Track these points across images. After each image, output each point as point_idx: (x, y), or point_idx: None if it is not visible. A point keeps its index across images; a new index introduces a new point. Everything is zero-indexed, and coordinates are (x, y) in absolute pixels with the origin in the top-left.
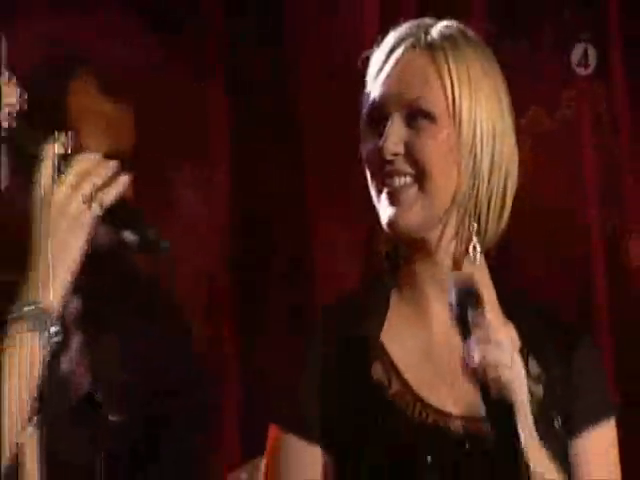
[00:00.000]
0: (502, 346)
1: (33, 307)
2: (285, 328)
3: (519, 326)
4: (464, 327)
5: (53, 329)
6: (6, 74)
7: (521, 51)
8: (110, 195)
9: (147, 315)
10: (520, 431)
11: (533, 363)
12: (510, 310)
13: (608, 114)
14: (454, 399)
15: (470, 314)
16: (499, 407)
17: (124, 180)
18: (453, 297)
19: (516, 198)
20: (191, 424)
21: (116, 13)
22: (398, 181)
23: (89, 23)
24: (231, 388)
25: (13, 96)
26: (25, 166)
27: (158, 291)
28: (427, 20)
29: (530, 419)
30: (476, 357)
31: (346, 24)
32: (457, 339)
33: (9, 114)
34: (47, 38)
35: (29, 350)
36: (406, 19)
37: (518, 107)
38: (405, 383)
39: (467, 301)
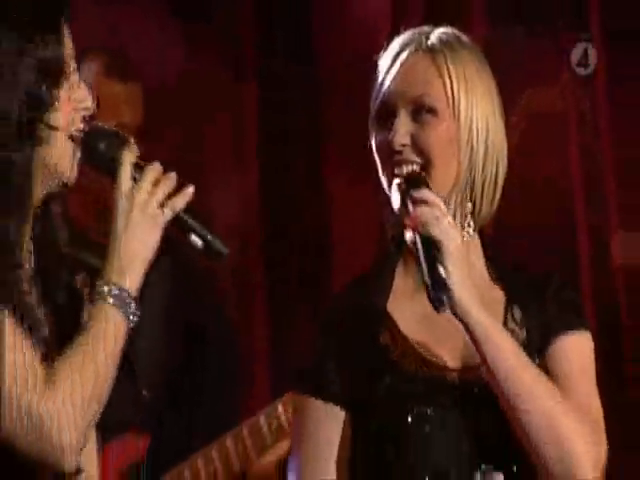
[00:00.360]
0: (434, 209)
1: (118, 289)
2: (304, 296)
3: (505, 282)
4: (404, 204)
5: (133, 310)
6: (78, 79)
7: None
8: (180, 203)
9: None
10: (449, 273)
11: (517, 311)
12: (498, 271)
13: (591, 112)
14: (450, 355)
15: (414, 192)
16: (428, 252)
17: (190, 190)
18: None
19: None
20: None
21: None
22: (406, 169)
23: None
24: (260, 347)
25: (88, 100)
26: (96, 163)
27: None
28: (426, 28)
29: (465, 272)
30: (412, 214)
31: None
32: None
33: (84, 118)
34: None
35: (115, 326)
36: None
37: (509, 102)
38: (408, 345)
39: (412, 182)
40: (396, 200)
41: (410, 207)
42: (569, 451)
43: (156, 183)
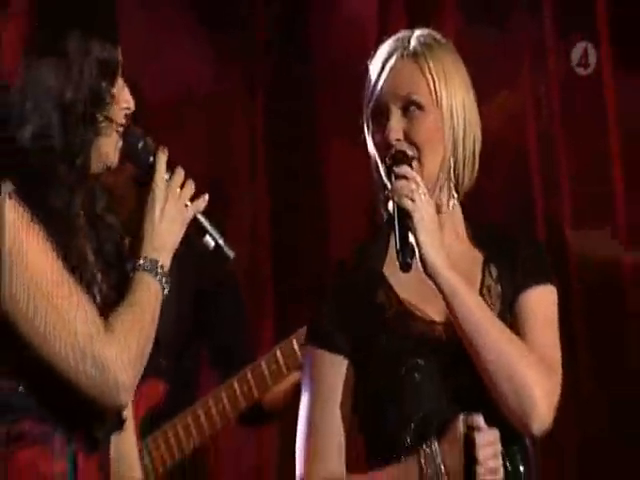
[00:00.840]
0: (410, 183)
1: (155, 264)
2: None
3: (483, 244)
4: (388, 176)
5: (166, 282)
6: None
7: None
8: (201, 205)
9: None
10: (419, 240)
11: (493, 268)
12: (477, 234)
13: (546, 98)
14: (436, 312)
15: (396, 168)
16: (402, 220)
17: (206, 196)
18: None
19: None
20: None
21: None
22: (395, 149)
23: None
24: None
25: (131, 102)
26: (133, 158)
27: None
28: (406, 32)
29: (435, 238)
30: (392, 187)
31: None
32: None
33: (126, 115)
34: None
35: (154, 293)
36: None
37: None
38: (400, 303)
39: (396, 160)
40: (386, 175)
41: (391, 180)
42: (528, 397)
43: (182, 185)
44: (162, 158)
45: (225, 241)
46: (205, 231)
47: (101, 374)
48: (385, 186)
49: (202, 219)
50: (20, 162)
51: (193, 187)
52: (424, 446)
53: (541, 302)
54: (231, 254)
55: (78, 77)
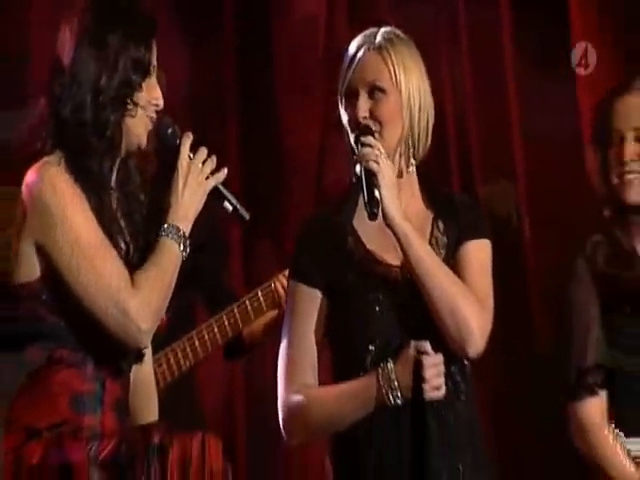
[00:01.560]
0: (375, 150)
1: (178, 230)
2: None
3: (433, 203)
4: (356, 144)
5: (185, 246)
6: (157, 83)
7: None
8: (221, 177)
9: None
10: (381, 195)
11: (440, 223)
12: (429, 195)
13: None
14: (395, 257)
15: (362, 138)
16: (368, 180)
17: (225, 170)
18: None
19: None
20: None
21: None
22: (361, 123)
23: None
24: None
25: (160, 99)
26: (164, 141)
27: None
28: (373, 29)
29: (394, 194)
30: (359, 153)
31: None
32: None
33: (156, 108)
34: None
35: (175, 256)
36: None
37: None
38: (366, 249)
39: (362, 131)
40: (355, 144)
41: (359, 148)
42: (465, 328)
43: (204, 161)
44: (187, 141)
45: (241, 205)
46: (225, 198)
47: (125, 320)
48: (354, 152)
49: (222, 188)
50: (64, 134)
51: (215, 162)
52: (381, 365)
53: (477, 253)
54: (247, 215)
55: (113, 68)
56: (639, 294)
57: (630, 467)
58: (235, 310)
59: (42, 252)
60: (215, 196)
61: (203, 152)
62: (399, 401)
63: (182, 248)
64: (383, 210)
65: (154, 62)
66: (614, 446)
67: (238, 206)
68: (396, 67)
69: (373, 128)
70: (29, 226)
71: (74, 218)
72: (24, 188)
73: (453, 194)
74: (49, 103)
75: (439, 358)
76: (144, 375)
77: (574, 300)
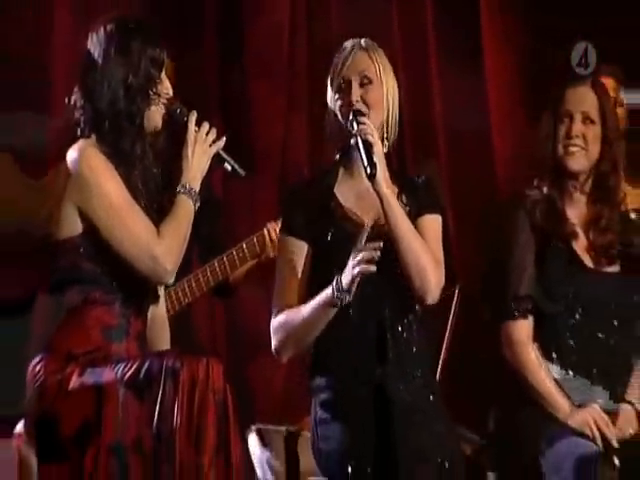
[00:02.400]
0: (369, 127)
1: (191, 189)
2: None
3: (398, 180)
4: (352, 122)
5: (196, 202)
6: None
7: None
8: (221, 144)
9: None
10: (376, 164)
11: (404, 197)
12: (394, 174)
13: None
14: (369, 218)
15: (359, 117)
16: (367, 149)
17: (224, 138)
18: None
19: None
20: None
21: None
22: (355, 107)
23: None
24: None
25: (170, 90)
26: (175, 119)
27: None
28: (356, 39)
29: (383, 163)
30: (359, 128)
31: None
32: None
33: (167, 97)
34: None
35: (189, 210)
36: None
37: None
38: (344, 210)
39: (358, 113)
40: (350, 122)
41: (357, 125)
42: (426, 279)
43: (207, 132)
44: (192, 118)
45: (238, 165)
46: (225, 160)
47: (154, 264)
48: (350, 129)
49: (222, 153)
50: (100, 121)
51: (215, 133)
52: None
53: (433, 224)
54: (242, 173)
55: (137, 66)
56: (567, 247)
57: (548, 378)
58: (225, 259)
59: (82, 215)
60: (217, 159)
61: (206, 125)
62: (344, 300)
63: (193, 202)
64: (375, 175)
65: (166, 58)
66: (536, 359)
67: (235, 166)
68: (379, 64)
69: (364, 111)
70: (70, 194)
71: (107, 186)
72: (65, 164)
73: (414, 176)
74: (83, 97)
75: (379, 244)
76: (159, 312)
77: (516, 243)
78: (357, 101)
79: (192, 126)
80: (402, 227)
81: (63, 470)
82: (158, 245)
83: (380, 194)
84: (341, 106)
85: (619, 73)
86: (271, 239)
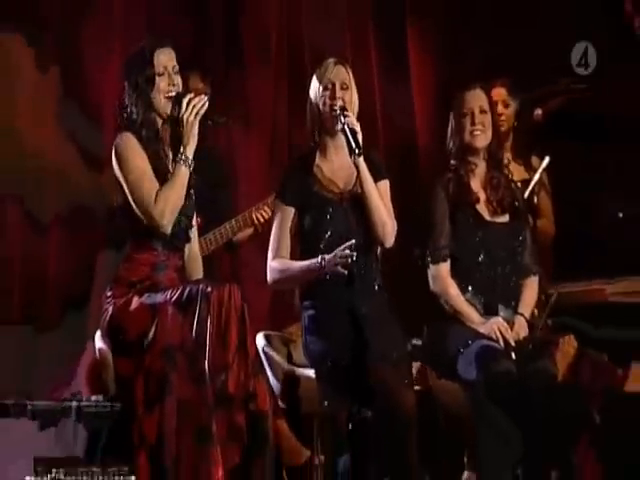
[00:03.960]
0: (353, 118)
1: (186, 156)
2: None
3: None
4: (338, 116)
5: (191, 167)
6: (173, 77)
7: None
8: (205, 107)
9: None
10: (361, 145)
11: (370, 166)
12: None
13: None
14: (342, 188)
15: (345, 112)
16: (353, 134)
17: (206, 98)
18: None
19: None
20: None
21: None
22: (339, 104)
23: None
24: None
25: (172, 89)
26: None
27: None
28: (332, 57)
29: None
30: (345, 120)
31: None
32: (348, 160)
33: (170, 96)
34: None
35: (185, 175)
36: None
37: None
38: (323, 183)
39: (343, 109)
40: (338, 116)
41: (344, 118)
42: (386, 228)
43: (188, 103)
44: (187, 96)
45: (221, 120)
46: (208, 119)
47: (153, 217)
48: (337, 120)
49: (207, 114)
50: (133, 124)
51: (202, 99)
52: (321, 256)
53: (385, 188)
54: (223, 120)
55: (145, 66)
56: (472, 209)
57: (464, 301)
58: (227, 225)
59: (119, 185)
60: (205, 119)
61: (194, 98)
62: (324, 276)
63: (188, 167)
64: (361, 154)
65: (161, 70)
66: (455, 289)
67: (218, 119)
68: (350, 76)
69: (346, 107)
70: (114, 169)
71: (135, 162)
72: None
73: (368, 154)
74: (119, 113)
75: (352, 243)
76: (194, 250)
77: (436, 211)
78: (340, 99)
79: (185, 101)
80: (372, 191)
81: (130, 363)
82: (154, 209)
83: (359, 167)
84: (326, 102)
85: (508, 83)
86: (257, 214)
